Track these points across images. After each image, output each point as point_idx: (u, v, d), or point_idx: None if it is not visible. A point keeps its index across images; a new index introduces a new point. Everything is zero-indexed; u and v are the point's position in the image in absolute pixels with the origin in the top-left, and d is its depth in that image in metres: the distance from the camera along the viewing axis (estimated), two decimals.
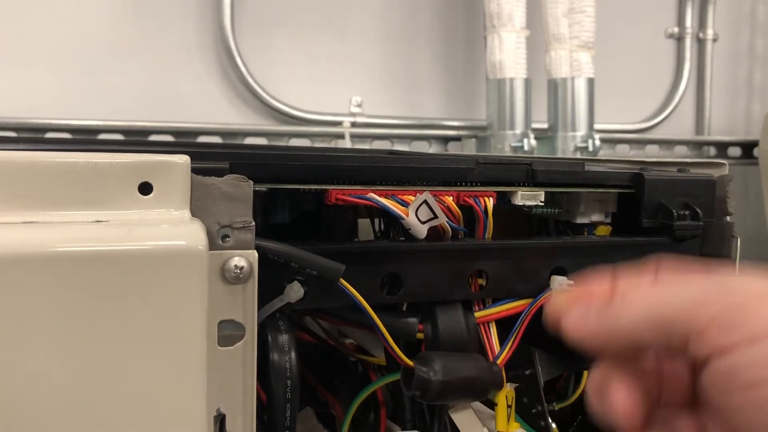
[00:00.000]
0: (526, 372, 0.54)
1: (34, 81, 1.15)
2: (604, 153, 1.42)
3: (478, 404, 0.52)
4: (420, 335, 0.48)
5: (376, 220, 0.55)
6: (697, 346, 0.25)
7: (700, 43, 1.59)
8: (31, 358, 0.32)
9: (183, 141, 1.16)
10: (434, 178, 0.47)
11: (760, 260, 0.35)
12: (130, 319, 0.33)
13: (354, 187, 0.45)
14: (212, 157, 0.40)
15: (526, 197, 0.50)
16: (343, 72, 1.32)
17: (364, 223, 0.55)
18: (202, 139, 1.21)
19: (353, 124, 1.28)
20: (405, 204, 0.45)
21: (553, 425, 0.54)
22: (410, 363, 0.46)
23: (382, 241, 0.52)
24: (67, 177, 0.35)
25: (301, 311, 0.50)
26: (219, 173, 0.38)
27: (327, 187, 0.44)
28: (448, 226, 0.47)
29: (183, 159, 0.37)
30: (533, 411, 0.54)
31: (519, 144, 1.28)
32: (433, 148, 1.37)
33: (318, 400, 0.55)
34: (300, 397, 0.44)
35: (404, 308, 0.49)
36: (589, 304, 0.29)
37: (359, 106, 1.31)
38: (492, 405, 0.51)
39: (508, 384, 0.49)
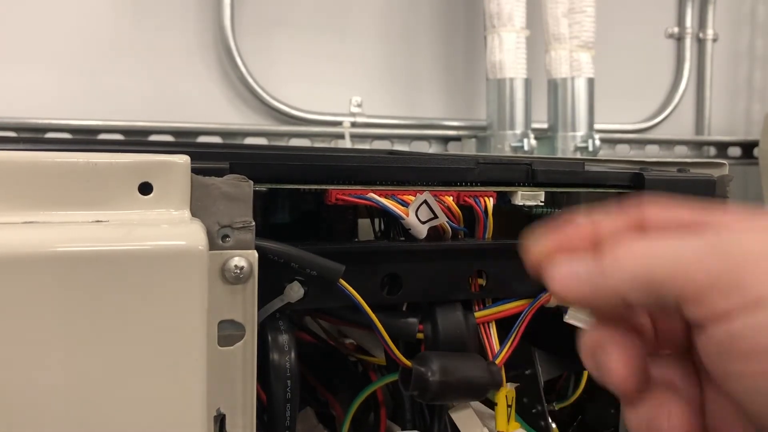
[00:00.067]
0: (526, 372, 0.54)
1: (34, 81, 1.15)
2: (604, 153, 1.42)
3: (478, 404, 0.52)
4: (420, 335, 0.48)
5: (376, 220, 0.55)
6: (692, 309, 0.23)
7: (700, 43, 1.59)
8: (32, 358, 0.32)
9: (183, 141, 1.16)
10: (434, 178, 0.47)
11: None
12: (130, 319, 0.33)
13: (354, 187, 0.45)
14: (212, 157, 0.40)
15: (526, 197, 0.50)
16: (343, 72, 1.32)
17: (364, 223, 0.56)
18: (202, 139, 1.21)
19: (353, 124, 1.28)
20: (405, 204, 0.45)
21: (553, 425, 0.55)
22: (408, 363, 0.46)
23: (382, 241, 0.52)
24: (67, 177, 0.35)
25: (301, 311, 0.50)
26: (219, 173, 0.38)
27: (327, 187, 0.44)
28: (448, 226, 0.47)
29: (183, 159, 0.37)
30: (533, 411, 0.54)
31: (519, 144, 1.28)
32: (433, 148, 1.37)
33: (318, 400, 0.55)
34: (300, 397, 0.44)
35: (404, 308, 0.49)
36: (574, 258, 0.26)
37: (359, 106, 1.31)
38: (492, 405, 0.51)
39: (509, 384, 0.49)
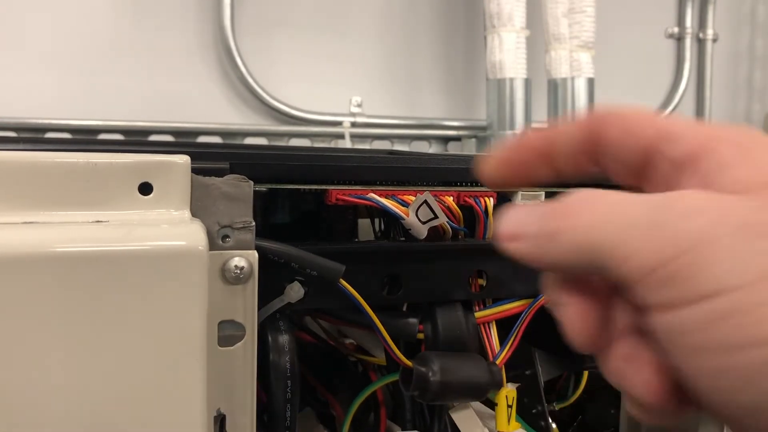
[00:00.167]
0: (526, 372, 0.54)
1: (34, 81, 1.15)
2: None
3: (478, 404, 0.52)
4: (420, 335, 0.48)
5: (376, 220, 0.55)
6: (634, 293, 0.21)
7: (700, 43, 1.59)
8: (31, 358, 0.32)
9: (183, 141, 1.16)
10: (434, 178, 0.47)
11: None
12: (130, 319, 0.33)
13: (354, 187, 0.45)
14: (212, 157, 0.40)
15: (527, 197, 0.50)
16: (343, 72, 1.32)
17: (364, 223, 0.55)
18: (202, 139, 1.21)
19: (353, 124, 1.28)
20: (405, 204, 0.45)
21: (553, 425, 0.54)
22: (409, 363, 0.46)
23: (382, 241, 0.52)
24: (67, 177, 0.35)
25: (301, 311, 0.50)
26: (219, 173, 0.38)
27: (327, 187, 0.44)
28: (448, 226, 0.47)
29: (183, 159, 0.37)
30: (533, 411, 0.54)
31: None
32: (433, 148, 1.37)
33: (318, 400, 0.55)
34: (300, 397, 0.44)
35: (404, 308, 0.49)
36: (523, 212, 0.24)
37: (359, 106, 1.31)
38: (492, 405, 0.51)
39: (509, 384, 0.49)
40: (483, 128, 1.35)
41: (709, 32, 1.58)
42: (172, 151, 0.38)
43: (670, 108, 1.56)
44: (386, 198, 0.45)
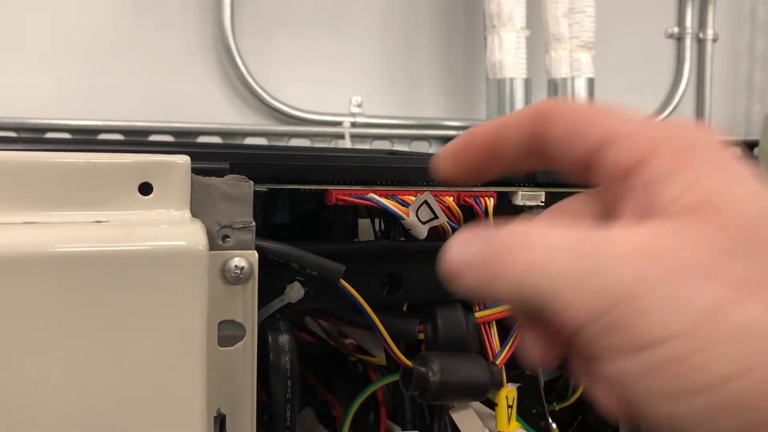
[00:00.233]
0: (527, 372, 0.54)
1: (34, 81, 1.15)
2: None
3: (478, 404, 0.52)
4: (420, 335, 0.48)
5: (376, 220, 0.55)
6: (578, 340, 0.21)
7: (700, 43, 1.59)
8: (31, 358, 0.32)
9: (183, 141, 1.16)
10: (434, 178, 0.47)
11: None
12: (130, 319, 0.33)
13: (354, 188, 0.45)
14: (212, 157, 0.40)
15: (527, 197, 0.50)
16: (343, 72, 1.32)
17: (364, 223, 0.55)
18: (202, 139, 1.21)
19: (353, 124, 1.28)
20: (405, 204, 0.45)
21: (554, 425, 0.54)
22: (409, 363, 0.46)
23: (382, 241, 0.52)
24: (67, 177, 0.35)
25: (301, 311, 0.50)
26: (219, 173, 0.38)
27: (327, 187, 0.44)
28: (448, 226, 0.47)
29: (183, 159, 0.37)
30: (533, 411, 0.54)
31: None
32: (433, 148, 1.37)
33: (318, 400, 0.55)
34: (300, 398, 0.44)
35: (404, 308, 0.49)
36: (468, 242, 0.24)
37: (359, 106, 1.31)
38: (493, 405, 0.51)
39: (509, 384, 0.49)
40: None
41: (709, 32, 1.58)
42: (172, 151, 0.38)
43: (670, 108, 1.56)
44: (386, 198, 0.45)
